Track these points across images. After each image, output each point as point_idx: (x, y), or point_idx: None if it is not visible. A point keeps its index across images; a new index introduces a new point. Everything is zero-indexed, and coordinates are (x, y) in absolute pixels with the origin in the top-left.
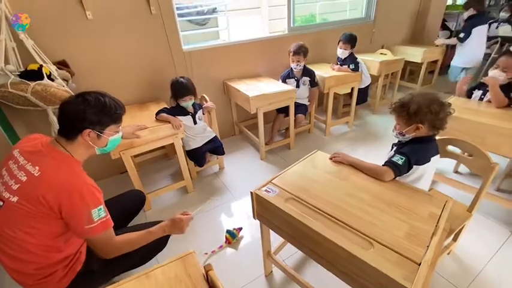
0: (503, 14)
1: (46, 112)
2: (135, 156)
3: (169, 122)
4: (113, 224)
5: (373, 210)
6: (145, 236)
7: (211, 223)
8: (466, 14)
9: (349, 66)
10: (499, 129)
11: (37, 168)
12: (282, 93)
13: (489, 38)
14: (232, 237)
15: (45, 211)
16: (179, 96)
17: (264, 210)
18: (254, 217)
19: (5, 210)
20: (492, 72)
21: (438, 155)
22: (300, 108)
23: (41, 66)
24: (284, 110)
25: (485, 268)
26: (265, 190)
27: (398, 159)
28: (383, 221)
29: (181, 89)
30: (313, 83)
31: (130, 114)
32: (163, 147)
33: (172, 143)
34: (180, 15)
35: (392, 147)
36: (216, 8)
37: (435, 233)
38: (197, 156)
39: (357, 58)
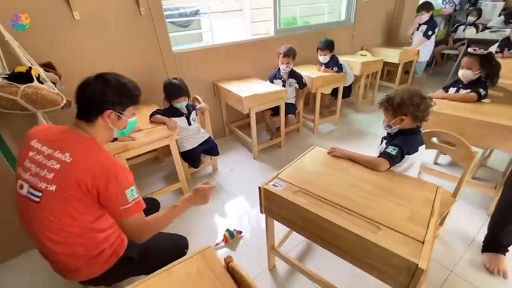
0: (471, 18)
1: (34, 116)
2: (127, 159)
3: (164, 124)
4: (145, 206)
5: (375, 197)
6: (170, 211)
7: (208, 223)
8: (427, 16)
9: (332, 69)
10: (475, 121)
11: (67, 154)
12: (273, 93)
13: (456, 40)
14: (231, 236)
15: (85, 195)
16: (173, 98)
17: (272, 204)
18: (261, 211)
19: (46, 200)
20: (460, 73)
21: (424, 145)
22: (289, 107)
23: (30, 68)
24: (272, 109)
25: (469, 248)
26: (273, 184)
27: (392, 150)
28: (385, 207)
29: (175, 90)
30: (301, 84)
31: None
32: (154, 150)
33: (165, 145)
34: None
35: (381, 141)
36: (198, 10)
37: (432, 215)
38: (192, 157)
39: (338, 60)
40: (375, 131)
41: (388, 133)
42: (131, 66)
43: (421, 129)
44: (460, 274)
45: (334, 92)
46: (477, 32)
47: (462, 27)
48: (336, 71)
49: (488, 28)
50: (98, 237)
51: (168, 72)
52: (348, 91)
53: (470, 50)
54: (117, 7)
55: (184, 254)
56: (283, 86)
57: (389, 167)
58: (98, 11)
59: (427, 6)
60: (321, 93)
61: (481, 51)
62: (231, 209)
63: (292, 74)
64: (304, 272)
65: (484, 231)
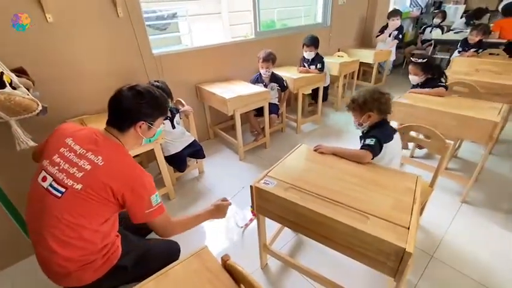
0: (437, 20)
1: (7, 124)
2: None
3: None
4: (165, 209)
5: (361, 189)
6: (194, 219)
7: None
8: (399, 22)
9: (316, 66)
10: (446, 114)
11: (100, 157)
12: (256, 94)
13: (424, 41)
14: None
15: (107, 198)
16: None
17: (265, 202)
18: (254, 210)
19: (68, 197)
20: (410, 78)
21: (397, 133)
22: (272, 107)
23: (2, 73)
24: (255, 110)
25: (446, 234)
26: (264, 182)
27: (370, 141)
28: (372, 197)
29: None
30: (283, 87)
31: (102, 123)
32: (137, 155)
33: (149, 150)
34: None
35: (360, 140)
36: (176, 13)
37: (414, 202)
38: (178, 161)
39: (323, 58)
40: (355, 129)
41: (362, 132)
42: (110, 69)
43: (388, 121)
44: (440, 258)
45: (315, 94)
46: (442, 33)
47: (429, 29)
48: (319, 69)
49: (452, 29)
50: (98, 243)
51: (149, 75)
52: (325, 94)
53: (412, 59)
54: (93, 9)
55: (177, 258)
56: None
57: (372, 158)
58: (73, 12)
59: (400, 13)
60: (302, 94)
61: (420, 60)
62: None
63: (274, 78)
64: (297, 267)
65: (459, 218)
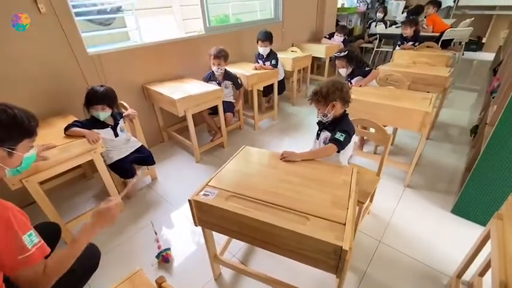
0: (379, 15)
1: None
2: (43, 182)
3: (83, 137)
4: (49, 250)
5: (302, 189)
6: (71, 247)
7: (153, 239)
8: (341, 38)
9: (271, 63)
10: (384, 106)
11: None
12: (209, 93)
13: (370, 35)
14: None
15: None
16: (90, 104)
17: (205, 215)
18: (195, 224)
19: None
20: (340, 71)
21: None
22: (226, 105)
23: None
24: (210, 109)
25: (392, 217)
26: (204, 194)
27: (340, 136)
28: (312, 196)
29: (91, 96)
30: (237, 84)
31: (43, 128)
32: (79, 166)
33: (90, 160)
34: (77, 14)
35: (318, 134)
36: (121, 7)
37: (350, 195)
38: (123, 168)
39: (277, 54)
40: (311, 121)
41: (322, 124)
42: (35, 72)
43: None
44: (387, 242)
45: (266, 91)
46: (386, 27)
47: (374, 23)
48: (274, 65)
49: (395, 23)
50: None
51: (87, 76)
52: (281, 86)
53: (335, 54)
54: (6, 4)
55: (95, 266)
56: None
57: (338, 151)
58: None
59: (345, 30)
60: (258, 90)
61: (343, 54)
62: (176, 219)
63: (227, 76)
64: (251, 274)
65: (403, 201)
